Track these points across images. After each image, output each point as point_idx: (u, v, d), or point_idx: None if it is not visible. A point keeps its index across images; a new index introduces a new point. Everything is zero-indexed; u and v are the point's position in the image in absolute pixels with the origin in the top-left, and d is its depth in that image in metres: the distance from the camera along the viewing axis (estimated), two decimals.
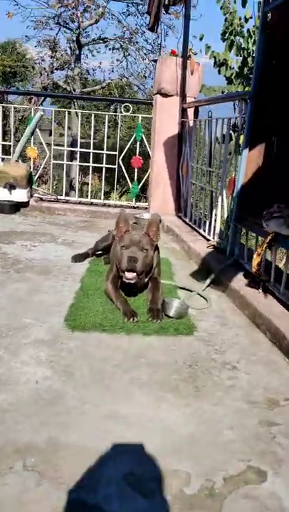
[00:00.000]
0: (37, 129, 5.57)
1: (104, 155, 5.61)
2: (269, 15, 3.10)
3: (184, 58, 4.77)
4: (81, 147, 6.01)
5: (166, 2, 4.38)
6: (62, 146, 6.50)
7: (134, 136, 5.40)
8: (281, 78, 3.18)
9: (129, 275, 2.72)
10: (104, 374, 2.05)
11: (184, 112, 4.90)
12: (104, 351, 2.24)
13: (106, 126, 5.39)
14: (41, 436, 1.62)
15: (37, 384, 1.93)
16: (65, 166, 5.89)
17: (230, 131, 3.70)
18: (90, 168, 5.66)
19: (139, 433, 1.67)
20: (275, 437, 1.70)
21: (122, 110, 5.38)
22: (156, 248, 2.92)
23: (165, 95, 4.93)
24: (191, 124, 4.76)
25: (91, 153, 5.65)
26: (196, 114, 4.84)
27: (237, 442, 1.66)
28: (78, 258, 3.60)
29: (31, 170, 5.51)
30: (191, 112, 4.88)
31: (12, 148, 5.70)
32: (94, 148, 5.54)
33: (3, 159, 5.72)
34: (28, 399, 1.83)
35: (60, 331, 2.42)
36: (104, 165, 5.61)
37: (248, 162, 3.26)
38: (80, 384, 1.95)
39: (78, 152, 5.87)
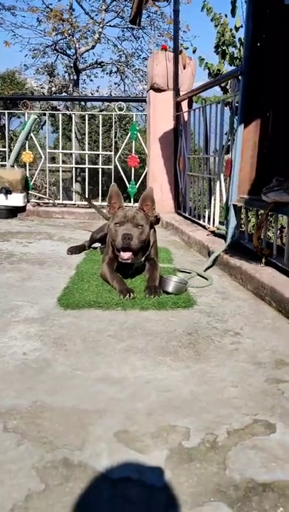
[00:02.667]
0: (31, 134, 5.53)
1: (100, 156, 5.54)
2: None
3: (175, 53, 4.73)
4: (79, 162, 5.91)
5: None
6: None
7: (128, 135, 5.33)
8: (271, 52, 3.09)
9: (125, 255, 2.56)
10: (98, 343, 1.90)
11: (178, 107, 4.83)
12: (99, 324, 2.10)
13: (100, 125, 5.32)
14: (26, 400, 1.46)
15: (25, 355, 1.78)
16: (61, 169, 5.81)
17: (226, 113, 3.60)
18: (86, 170, 5.57)
19: (134, 393, 1.52)
20: (283, 393, 1.53)
21: (116, 109, 5.32)
22: (152, 226, 2.79)
23: (158, 90, 4.87)
24: (186, 117, 4.68)
25: (86, 155, 5.58)
26: (190, 106, 4.76)
27: (242, 398, 1.49)
28: (74, 250, 3.47)
29: (27, 175, 5.44)
30: (185, 105, 4.81)
31: (7, 153, 5.64)
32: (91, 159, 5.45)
33: None
34: (13, 368, 1.68)
35: (52, 310, 2.28)
36: (100, 166, 5.53)
37: (244, 141, 3.15)
38: (71, 353, 1.80)
39: (74, 156, 5.74)
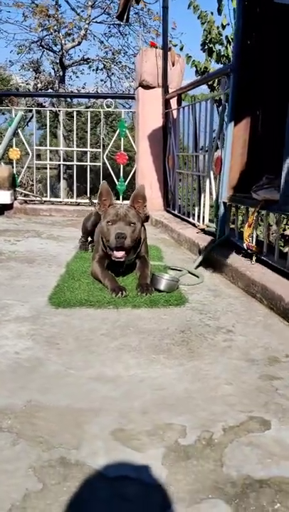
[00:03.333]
0: (19, 130, 5.48)
1: (88, 153, 5.51)
2: None
3: (164, 50, 4.72)
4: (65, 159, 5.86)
5: None
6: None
7: (117, 132, 5.31)
8: (262, 50, 3.10)
9: (118, 254, 2.54)
10: (91, 342, 1.89)
11: (167, 104, 4.82)
12: (91, 323, 2.09)
13: (88, 120, 5.29)
14: (20, 399, 1.45)
15: (17, 354, 1.77)
16: (48, 166, 5.77)
17: (215, 111, 3.61)
18: (75, 167, 5.54)
19: (128, 392, 1.51)
20: (277, 390, 1.54)
21: (104, 105, 5.30)
22: (142, 224, 2.78)
23: (147, 87, 4.86)
24: (175, 115, 4.68)
25: (74, 152, 5.55)
26: (179, 103, 4.76)
27: (236, 396, 1.50)
28: (82, 246, 3.45)
29: (14, 172, 5.39)
30: (174, 103, 4.81)
31: None
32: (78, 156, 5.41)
33: None
34: (5, 368, 1.66)
35: (43, 309, 2.26)
36: (88, 163, 5.51)
37: (235, 138, 3.16)
38: (64, 352, 1.80)
39: (61, 153, 5.71)
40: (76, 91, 19.56)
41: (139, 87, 4.94)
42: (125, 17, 4.54)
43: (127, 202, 5.37)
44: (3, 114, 5.73)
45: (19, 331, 1.99)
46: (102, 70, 19.15)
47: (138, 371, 1.65)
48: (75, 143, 5.44)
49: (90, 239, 3.47)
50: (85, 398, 1.47)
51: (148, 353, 1.79)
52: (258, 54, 3.08)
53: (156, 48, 4.79)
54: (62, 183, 6.31)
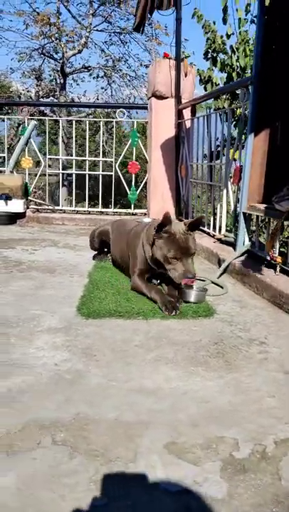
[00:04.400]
0: (31, 140, 5.51)
1: (101, 162, 5.54)
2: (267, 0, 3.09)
3: (177, 60, 4.77)
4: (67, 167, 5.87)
5: (156, 5, 4.37)
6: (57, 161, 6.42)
7: (129, 142, 5.35)
8: (281, 63, 3.14)
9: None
10: (127, 353, 1.90)
11: (180, 114, 4.86)
12: (123, 334, 2.10)
13: (101, 132, 5.33)
14: (68, 412, 1.47)
15: (56, 366, 1.78)
16: (61, 175, 5.80)
17: (231, 124, 3.64)
18: (86, 176, 5.57)
19: (173, 404, 1.53)
20: None
21: (118, 115, 5.34)
22: None
23: (160, 97, 4.90)
24: (188, 125, 4.72)
25: (87, 161, 5.58)
26: (193, 114, 4.81)
27: (281, 409, 1.52)
28: (97, 257, 3.48)
29: (27, 181, 5.42)
30: (187, 113, 4.85)
31: (6, 159, 5.61)
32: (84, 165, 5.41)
33: None
34: (47, 380, 1.68)
35: (73, 319, 2.28)
36: (100, 172, 5.54)
37: (254, 149, 3.19)
38: (102, 363, 1.81)
39: (74, 161, 5.73)
40: (77, 98, 19.65)
41: (152, 97, 4.98)
42: (142, 29, 4.60)
43: (138, 211, 5.46)
44: (3, 121, 5.73)
45: (54, 342, 2.00)
46: (102, 77, 19.24)
47: (179, 383, 1.67)
48: (87, 152, 5.46)
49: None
50: (130, 410, 1.49)
51: (186, 365, 1.81)
52: (278, 66, 3.12)
53: (170, 58, 4.83)
54: (72, 191, 6.29)
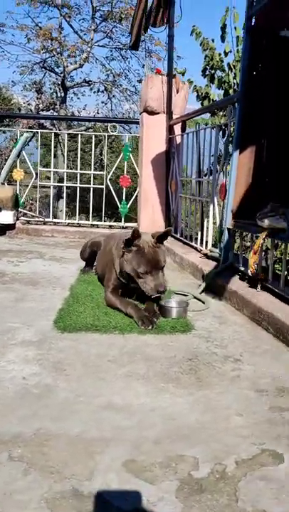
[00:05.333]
0: (23, 152, 5.53)
1: (92, 175, 5.56)
2: (253, 19, 3.13)
3: (169, 77, 4.81)
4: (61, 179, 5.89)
5: (150, 23, 4.43)
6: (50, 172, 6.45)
7: (121, 155, 5.37)
8: (267, 81, 3.17)
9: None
10: (99, 368, 1.88)
11: (171, 129, 4.89)
12: (98, 348, 2.08)
13: (93, 143, 5.35)
14: (30, 427, 1.44)
15: (24, 380, 1.76)
16: (52, 187, 5.81)
17: (220, 139, 3.66)
18: (78, 189, 5.58)
19: (139, 421, 1.51)
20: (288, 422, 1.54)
21: (109, 130, 5.37)
22: None
23: (152, 113, 4.94)
24: (178, 140, 4.75)
25: (78, 174, 5.59)
26: (183, 129, 4.83)
27: (248, 427, 1.49)
28: (82, 270, 3.46)
29: (17, 192, 5.43)
30: (178, 128, 4.88)
31: None
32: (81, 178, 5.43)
33: None
34: (13, 394, 1.65)
35: (49, 333, 2.26)
36: (92, 185, 5.55)
37: (239, 166, 3.20)
38: (72, 378, 1.79)
39: (65, 174, 5.74)
40: (77, 112, 19.80)
41: (144, 112, 5.01)
42: (138, 46, 4.66)
43: (130, 224, 5.46)
44: (4, 132, 5.77)
45: (26, 355, 1.98)
46: (103, 92, 19.41)
47: (148, 400, 1.64)
48: (78, 165, 5.49)
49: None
50: (95, 427, 1.46)
51: (156, 382, 1.78)
52: (265, 84, 3.14)
53: (162, 74, 4.88)
54: (64, 204, 6.30)
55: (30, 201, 6.28)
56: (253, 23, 3.13)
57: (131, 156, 5.36)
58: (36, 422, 1.47)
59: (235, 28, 7.80)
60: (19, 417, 1.50)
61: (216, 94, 8.81)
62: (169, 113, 4.87)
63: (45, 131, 6.53)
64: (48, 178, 9.02)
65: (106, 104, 19.54)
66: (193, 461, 1.31)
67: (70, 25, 17.24)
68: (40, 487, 1.19)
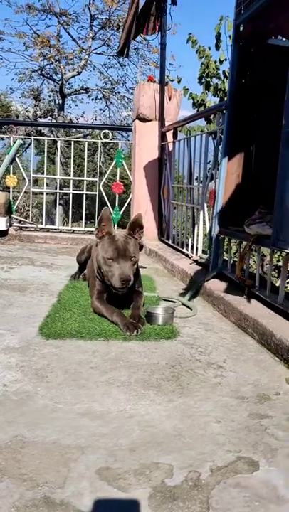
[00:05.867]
0: (16, 158, 5.53)
1: (85, 182, 5.57)
2: (241, 27, 3.15)
3: (161, 84, 4.84)
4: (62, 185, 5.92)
5: (140, 30, 4.45)
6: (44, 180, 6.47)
7: (114, 162, 5.39)
8: (255, 89, 3.18)
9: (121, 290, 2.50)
10: (80, 375, 1.88)
11: (163, 137, 4.91)
12: (81, 355, 2.08)
13: (86, 150, 5.36)
14: (6, 434, 1.43)
15: (5, 387, 1.75)
16: (44, 194, 5.82)
17: (210, 144, 3.68)
18: (71, 195, 5.59)
19: (116, 428, 1.50)
20: (266, 429, 1.53)
21: (101, 136, 5.39)
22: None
23: (144, 120, 4.96)
24: (171, 147, 4.76)
25: (71, 181, 5.60)
26: (175, 136, 4.85)
27: (225, 435, 1.49)
28: (73, 276, 3.46)
29: (10, 199, 5.43)
30: (170, 136, 4.90)
31: None
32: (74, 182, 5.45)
33: None
34: None
35: (33, 339, 2.25)
36: (84, 192, 5.56)
37: (228, 173, 3.21)
38: (52, 385, 1.78)
39: (58, 181, 5.76)
40: (75, 119, 19.87)
41: (136, 120, 5.04)
42: (126, 52, 4.68)
43: (121, 230, 5.45)
44: (2, 139, 5.79)
45: (8, 362, 1.98)
46: (101, 99, 19.52)
47: (127, 407, 1.64)
48: (72, 171, 5.51)
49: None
50: (72, 434, 1.45)
51: (137, 389, 1.78)
52: (253, 92, 3.16)
53: (154, 82, 4.90)
54: (58, 210, 6.32)
55: (27, 208, 6.27)
56: (240, 32, 3.14)
57: (124, 162, 5.38)
58: (13, 429, 1.46)
59: (229, 36, 7.87)
60: None
61: (212, 101, 8.88)
62: (162, 120, 4.89)
63: (40, 137, 6.54)
64: (47, 184, 9.07)
65: (104, 111, 19.65)
66: (168, 469, 1.30)
67: (68, 33, 17.38)
68: (11, 495, 1.18)
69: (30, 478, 1.24)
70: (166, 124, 4.92)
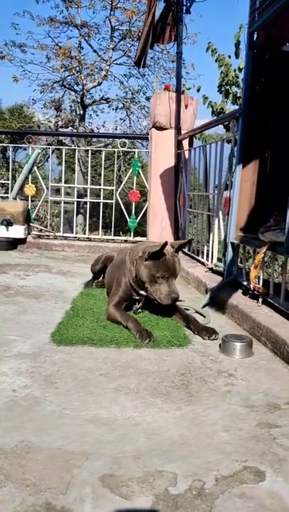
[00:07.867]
0: (35, 167, 5.60)
1: (102, 190, 5.61)
2: (255, 35, 3.14)
3: (177, 93, 4.86)
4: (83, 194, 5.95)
5: (157, 39, 4.48)
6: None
7: (131, 170, 5.42)
8: (269, 95, 3.17)
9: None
10: (89, 382, 1.88)
11: (179, 145, 4.92)
12: (91, 362, 2.08)
13: (103, 159, 5.40)
14: (12, 439, 1.44)
15: (14, 392, 1.76)
16: (62, 202, 5.88)
17: (225, 152, 3.66)
18: (88, 203, 5.63)
19: (122, 436, 1.49)
20: (275, 439, 1.50)
21: (119, 145, 5.43)
22: None
23: (160, 128, 4.98)
24: (187, 155, 4.77)
25: (88, 189, 5.65)
26: (190, 144, 4.85)
27: (232, 444, 1.46)
28: (87, 283, 3.49)
29: (29, 207, 5.50)
30: (186, 144, 4.90)
31: (10, 186, 5.71)
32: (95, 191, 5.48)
33: (1, 197, 5.72)
34: (1, 406, 1.66)
35: (45, 346, 2.26)
36: (101, 200, 5.59)
37: (242, 180, 3.19)
38: (61, 391, 1.78)
39: (76, 189, 5.82)
40: (96, 129, 20.04)
41: (153, 128, 5.06)
42: (142, 62, 4.72)
43: (138, 238, 5.47)
44: (25, 149, 5.87)
45: (19, 368, 1.99)
46: (121, 109, 19.63)
47: (134, 414, 1.63)
48: (89, 180, 5.54)
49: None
50: (78, 441, 1.45)
51: (146, 396, 1.77)
52: (267, 99, 3.14)
53: (170, 90, 4.92)
54: (78, 219, 6.36)
55: (48, 217, 6.35)
56: (254, 39, 3.14)
57: (140, 171, 5.40)
58: (19, 434, 1.47)
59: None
60: (4, 429, 1.50)
61: (232, 109, 8.86)
62: (178, 128, 4.90)
63: (60, 147, 6.63)
64: (68, 193, 9.16)
65: (124, 120, 19.77)
66: (172, 477, 1.29)
67: (89, 45, 17.53)
68: (13, 500, 1.18)
69: (34, 483, 1.24)
70: (183, 132, 4.92)
